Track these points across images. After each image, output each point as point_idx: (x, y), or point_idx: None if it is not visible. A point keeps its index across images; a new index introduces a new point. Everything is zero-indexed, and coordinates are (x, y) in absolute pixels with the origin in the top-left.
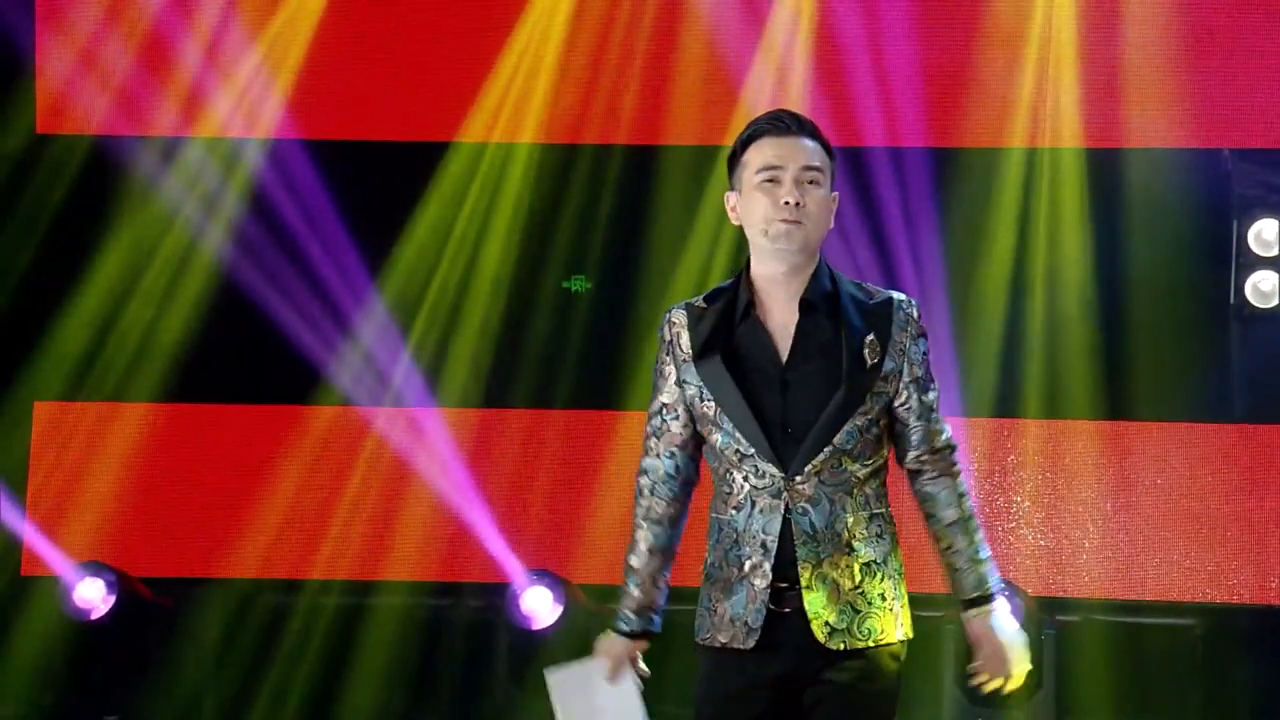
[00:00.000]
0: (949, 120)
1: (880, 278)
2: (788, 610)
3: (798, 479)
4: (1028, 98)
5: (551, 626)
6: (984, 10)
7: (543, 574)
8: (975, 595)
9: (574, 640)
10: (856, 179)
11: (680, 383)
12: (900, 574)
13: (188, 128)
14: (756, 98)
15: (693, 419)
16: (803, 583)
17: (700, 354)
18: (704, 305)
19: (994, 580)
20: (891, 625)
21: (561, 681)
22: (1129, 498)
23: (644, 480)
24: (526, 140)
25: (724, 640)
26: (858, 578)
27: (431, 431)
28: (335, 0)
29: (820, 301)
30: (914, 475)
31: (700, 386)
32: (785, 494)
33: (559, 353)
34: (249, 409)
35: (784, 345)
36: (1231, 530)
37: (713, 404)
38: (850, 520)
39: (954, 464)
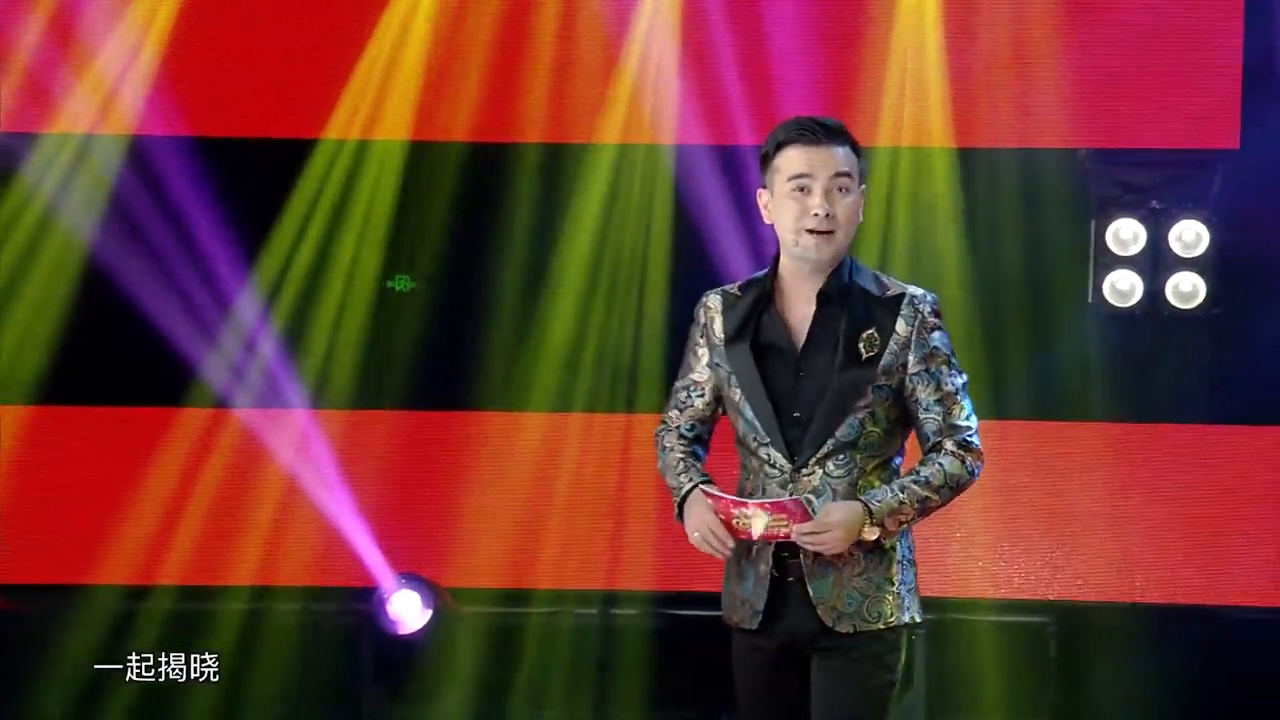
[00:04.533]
0: None
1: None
2: (791, 579)
3: (803, 471)
4: (889, 97)
5: (420, 631)
6: (845, 11)
7: (411, 578)
8: (876, 503)
9: (443, 645)
10: (725, 177)
11: (713, 365)
12: (909, 560)
13: (47, 123)
14: (616, 95)
15: (718, 400)
16: (805, 571)
17: (731, 340)
18: (738, 293)
19: (884, 510)
20: (897, 608)
21: None
22: (993, 496)
23: (664, 438)
24: (382, 137)
25: (736, 620)
26: (862, 564)
27: (301, 432)
28: None
29: (836, 294)
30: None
31: (730, 372)
32: (792, 485)
33: (426, 353)
34: (116, 411)
35: (801, 337)
36: (1094, 527)
37: (738, 390)
38: None
39: (961, 453)
